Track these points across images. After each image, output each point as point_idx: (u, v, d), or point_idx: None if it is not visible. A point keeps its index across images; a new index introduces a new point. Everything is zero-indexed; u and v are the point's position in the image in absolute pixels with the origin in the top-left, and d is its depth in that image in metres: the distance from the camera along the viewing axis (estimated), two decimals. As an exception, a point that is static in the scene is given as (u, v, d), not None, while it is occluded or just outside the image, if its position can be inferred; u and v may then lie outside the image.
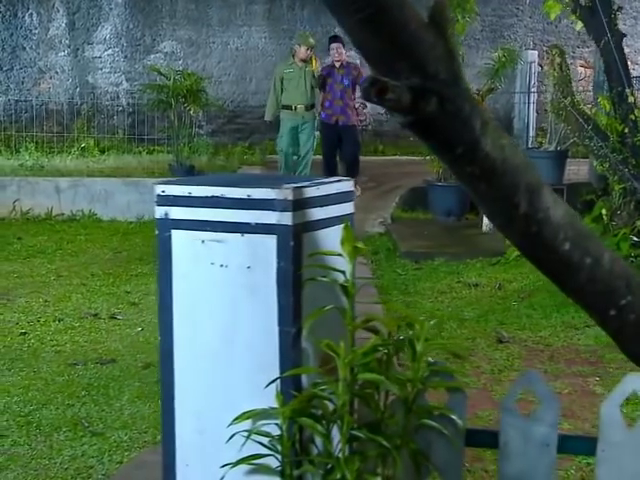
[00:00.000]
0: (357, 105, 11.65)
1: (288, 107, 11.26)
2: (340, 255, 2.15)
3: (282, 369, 2.21)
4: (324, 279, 2.19)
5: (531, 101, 16.14)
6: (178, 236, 2.29)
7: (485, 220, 10.07)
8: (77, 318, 6.78)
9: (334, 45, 11.57)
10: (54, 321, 6.67)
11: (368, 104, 11.39)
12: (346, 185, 2.42)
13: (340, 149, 11.68)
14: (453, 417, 2.25)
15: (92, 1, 15.51)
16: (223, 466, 2.23)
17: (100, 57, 15.45)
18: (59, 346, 6.08)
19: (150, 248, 9.68)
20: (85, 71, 15.46)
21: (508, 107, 15.74)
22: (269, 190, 2.17)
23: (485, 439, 2.38)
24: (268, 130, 12.60)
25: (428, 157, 10.82)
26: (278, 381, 2.21)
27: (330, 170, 11.49)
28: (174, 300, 2.30)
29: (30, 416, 4.75)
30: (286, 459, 2.16)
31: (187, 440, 2.34)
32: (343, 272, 2.25)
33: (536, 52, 14.97)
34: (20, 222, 11.03)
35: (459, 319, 6.61)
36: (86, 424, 4.62)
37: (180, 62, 15.19)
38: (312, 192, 2.24)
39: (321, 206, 2.28)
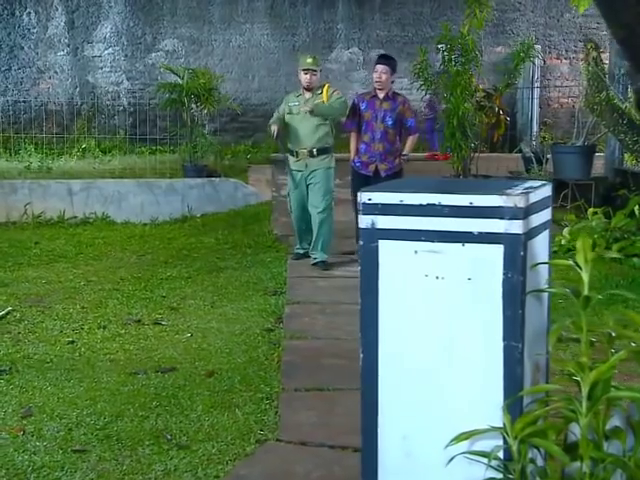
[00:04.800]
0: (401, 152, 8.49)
1: (291, 152, 8.41)
2: (572, 264, 2.03)
3: (507, 386, 2.08)
4: (552, 290, 2.07)
5: (534, 96, 16.18)
6: (386, 246, 2.15)
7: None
8: (120, 325, 6.60)
9: (380, 67, 8.30)
10: (98, 328, 6.48)
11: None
12: (548, 190, 2.29)
13: None
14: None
15: (92, -1, 15.28)
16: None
17: (100, 56, 15.16)
18: (112, 354, 5.89)
19: (173, 251, 9.51)
20: (85, 70, 15.17)
21: (511, 102, 15.72)
22: (496, 197, 2.04)
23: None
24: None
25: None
26: (501, 399, 2.08)
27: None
28: (380, 314, 2.16)
29: (107, 429, 4.57)
30: (519, 483, 2.03)
31: (392, 463, 2.20)
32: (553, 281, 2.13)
33: (539, 47, 14.94)
34: (32, 226, 10.78)
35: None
36: (169, 437, 4.45)
37: (182, 60, 14.97)
38: (532, 198, 2.11)
39: (536, 212, 2.16)
